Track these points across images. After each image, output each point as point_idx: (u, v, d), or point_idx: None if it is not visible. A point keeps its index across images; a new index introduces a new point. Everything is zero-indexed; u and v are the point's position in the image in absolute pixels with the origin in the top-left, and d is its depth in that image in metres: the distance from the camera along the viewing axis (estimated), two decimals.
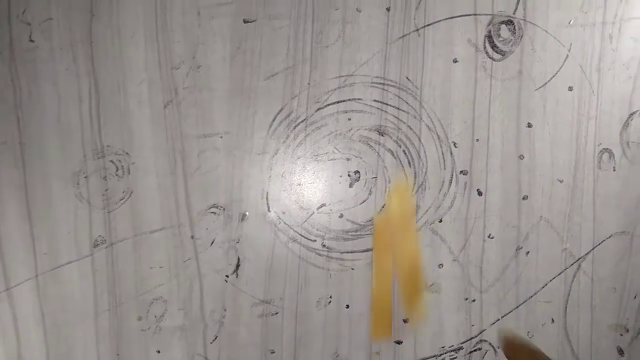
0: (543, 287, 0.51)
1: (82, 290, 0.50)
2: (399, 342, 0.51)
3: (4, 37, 0.50)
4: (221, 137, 0.51)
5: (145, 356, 0.50)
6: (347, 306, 0.51)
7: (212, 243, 0.51)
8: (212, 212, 0.51)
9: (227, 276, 0.51)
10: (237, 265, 0.51)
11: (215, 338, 0.50)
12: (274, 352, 0.51)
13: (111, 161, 0.51)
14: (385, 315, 0.49)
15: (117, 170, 0.51)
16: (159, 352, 0.50)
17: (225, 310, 0.51)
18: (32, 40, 0.50)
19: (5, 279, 0.50)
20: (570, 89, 0.52)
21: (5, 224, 0.50)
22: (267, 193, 0.51)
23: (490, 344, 0.51)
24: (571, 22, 0.52)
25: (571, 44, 0.52)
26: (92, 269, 0.50)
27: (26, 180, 0.50)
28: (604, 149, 0.52)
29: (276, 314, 0.51)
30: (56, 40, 0.51)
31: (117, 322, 0.50)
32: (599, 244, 0.52)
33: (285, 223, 0.51)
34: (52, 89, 0.51)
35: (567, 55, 0.52)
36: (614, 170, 0.52)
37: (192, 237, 0.51)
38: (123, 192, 0.51)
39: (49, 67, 0.51)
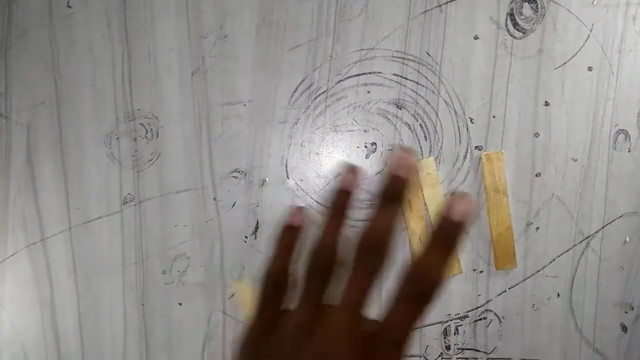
0: (551, 262, 0.53)
1: (111, 244, 0.54)
2: None
3: (44, 3, 0.53)
4: (245, 105, 0.53)
5: (169, 308, 0.53)
6: None
7: (233, 206, 0.54)
8: (234, 177, 0.54)
9: (246, 237, 0.54)
10: (256, 228, 0.53)
11: (233, 295, 0.53)
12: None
13: (141, 124, 0.53)
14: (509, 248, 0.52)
15: (146, 133, 0.54)
16: (180, 304, 0.53)
17: (243, 269, 0.54)
18: (69, 7, 0.53)
19: (41, 230, 0.54)
20: (590, 69, 0.52)
21: (42, 179, 0.54)
22: (287, 160, 0.53)
23: (495, 314, 0.53)
24: (594, 2, 0.52)
25: (593, 24, 0.52)
26: (121, 224, 0.54)
27: (62, 139, 0.54)
28: (620, 129, 0.52)
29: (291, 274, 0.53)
30: (92, 7, 0.53)
31: (142, 275, 0.54)
32: (609, 223, 0.53)
33: (302, 190, 0.53)
34: (87, 53, 0.53)
35: (589, 36, 0.52)
36: (629, 151, 0.52)
37: (215, 199, 0.53)
38: (152, 153, 0.54)
39: (85, 32, 0.53)
